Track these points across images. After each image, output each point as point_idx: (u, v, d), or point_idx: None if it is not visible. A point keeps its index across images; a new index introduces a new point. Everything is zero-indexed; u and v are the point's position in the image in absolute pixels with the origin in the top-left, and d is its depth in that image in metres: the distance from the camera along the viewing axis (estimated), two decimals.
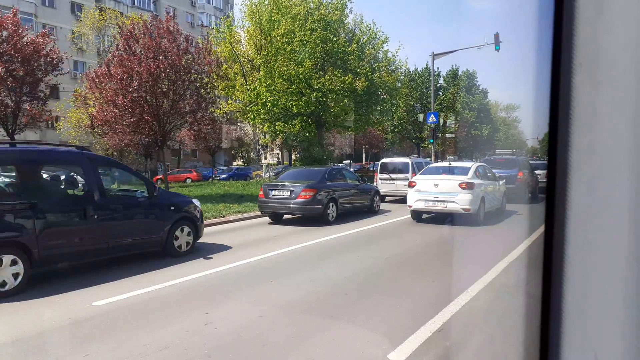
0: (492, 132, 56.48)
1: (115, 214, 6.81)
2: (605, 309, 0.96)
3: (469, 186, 10.58)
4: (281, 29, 23.05)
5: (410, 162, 16.28)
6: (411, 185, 11.63)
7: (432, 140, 28.62)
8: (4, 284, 5.49)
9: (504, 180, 13.32)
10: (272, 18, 24.11)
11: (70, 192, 7.06)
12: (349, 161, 52.32)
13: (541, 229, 1.07)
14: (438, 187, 10.90)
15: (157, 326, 4.50)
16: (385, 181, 16.48)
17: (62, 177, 7.36)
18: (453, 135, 45.92)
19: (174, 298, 5.50)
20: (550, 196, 1.02)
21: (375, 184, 16.48)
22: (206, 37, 23.47)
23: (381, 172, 16.75)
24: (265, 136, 27.62)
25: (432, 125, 27.75)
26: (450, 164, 12.63)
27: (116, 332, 4.36)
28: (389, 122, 42.36)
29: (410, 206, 11.36)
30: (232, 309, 5.03)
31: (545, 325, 1.04)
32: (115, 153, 37.68)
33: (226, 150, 48.82)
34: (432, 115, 26.75)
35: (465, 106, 50.48)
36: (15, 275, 5.58)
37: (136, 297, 5.47)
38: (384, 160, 17.84)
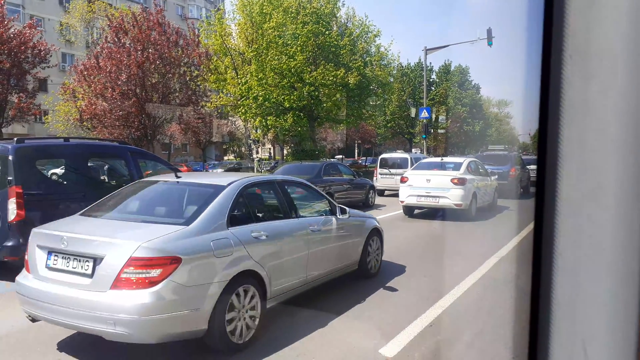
0: (484, 128, 56.77)
1: None
2: (594, 301, 0.96)
3: (460, 181, 10.59)
4: (273, 22, 22.89)
5: (409, 158, 16.55)
6: (403, 180, 11.52)
7: (424, 136, 28.71)
8: None
9: (496, 176, 13.47)
10: (264, 11, 23.93)
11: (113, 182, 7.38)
12: (341, 156, 52.35)
13: (532, 224, 1.08)
14: (430, 182, 10.90)
15: None
16: (385, 176, 16.80)
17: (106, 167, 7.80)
18: (445, 131, 46.12)
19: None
20: (540, 189, 1.02)
21: (375, 178, 16.78)
22: (196, 30, 23.20)
23: (381, 167, 17.13)
24: (256, 131, 27.52)
25: (425, 121, 27.83)
26: (442, 159, 12.69)
27: None
28: (381, 117, 42.43)
29: (402, 201, 11.31)
30: None
31: (535, 317, 1.05)
32: None
33: (217, 144, 48.57)
34: (425, 110, 26.81)
35: (458, 101, 50.67)
36: None
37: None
38: (384, 155, 18.19)
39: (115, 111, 15.54)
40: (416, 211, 11.84)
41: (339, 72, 22.96)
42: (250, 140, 29.34)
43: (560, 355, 1.01)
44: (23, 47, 15.44)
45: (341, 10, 26.84)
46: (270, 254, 4.16)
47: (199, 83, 17.91)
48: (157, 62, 15.18)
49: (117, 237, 3.56)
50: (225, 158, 54.41)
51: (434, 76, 48.13)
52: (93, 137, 28.75)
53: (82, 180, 6.81)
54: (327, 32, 23.63)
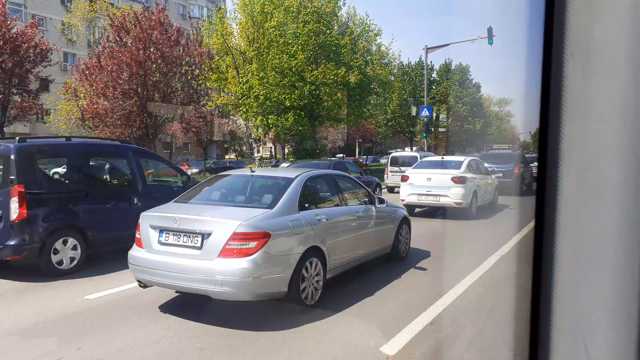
0: (484, 126, 56.68)
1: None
2: (595, 300, 0.96)
3: (461, 180, 10.60)
4: (274, 21, 22.88)
5: (418, 156, 16.78)
6: (404, 179, 11.58)
7: (425, 135, 28.68)
8: None
9: (500, 174, 13.67)
10: (265, 10, 23.91)
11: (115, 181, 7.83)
12: (342, 155, 52.33)
13: (533, 223, 1.08)
14: (431, 180, 10.93)
15: (150, 320, 4.48)
16: (395, 173, 17.19)
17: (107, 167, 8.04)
18: (446, 130, 46.06)
19: (167, 291, 5.47)
20: (541, 187, 1.02)
21: (385, 176, 17.71)
22: (198, 29, 23.21)
23: (391, 165, 17.75)
24: (258, 129, 27.51)
25: (425, 119, 27.80)
26: (442, 157, 12.79)
27: (108, 325, 4.34)
28: (382, 116, 42.39)
29: (402, 200, 11.30)
30: (226, 301, 5.02)
31: (535, 316, 1.05)
32: None
33: (218, 143, 48.56)
34: (425, 109, 26.77)
35: (458, 100, 50.57)
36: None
37: (128, 290, 5.44)
38: (394, 154, 19.58)
39: (117, 110, 15.55)
40: (417, 210, 11.79)
41: (339, 71, 22.94)
42: (252, 139, 29.34)
43: (561, 354, 1.01)
44: (25, 46, 15.43)
45: (342, 9, 26.84)
46: (329, 234, 5.07)
47: (200, 82, 17.90)
48: (159, 60, 15.16)
49: (221, 218, 4.49)
50: (227, 157, 54.39)
51: (434, 75, 48.03)
52: (94, 136, 28.81)
53: (83, 179, 6.99)
54: (328, 31, 23.61)
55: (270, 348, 3.81)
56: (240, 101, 24.96)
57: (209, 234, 4.26)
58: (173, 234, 4.48)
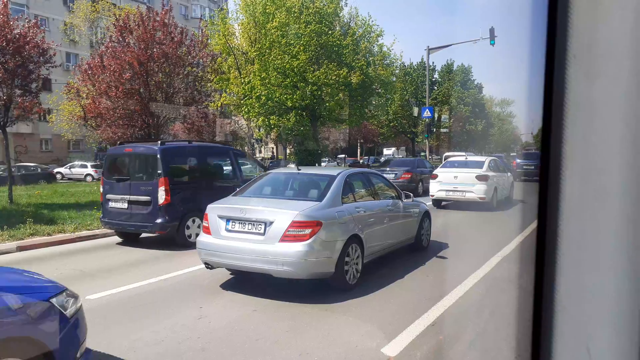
0: (486, 127, 56.58)
1: None
2: (598, 301, 0.96)
3: (484, 178, 12.20)
4: (276, 21, 22.88)
5: (443, 156, 20.04)
6: (433, 177, 13.23)
7: (426, 135, 28.64)
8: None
9: (511, 173, 15.03)
10: (267, 11, 23.91)
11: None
12: (343, 156, 52.27)
13: (535, 223, 1.07)
14: (457, 178, 12.55)
15: (152, 320, 4.49)
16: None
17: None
18: (447, 130, 45.96)
19: (168, 292, 5.50)
20: (543, 189, 1.02)
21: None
22: (202, 30, 23.24)
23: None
24: (259, 130, 27.52)
25: (427, 120, 27.75)
26: (466, 158, 14.70)
27: (110, 326, 4.35)
28: (384, 117, 42.33)
29: (432, 195, 12.97)
30: (227, 303, 5.03)
31: (538, 317, 1.05)
32: (109, 146, 37.39)
33: (220, 144, 48.54)
34: (427, 109, 26.73)
35: (460, 101, 50.48)
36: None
37: (129, 290, 5.45)
38: (448, 153, 23.93)
39: (119, 110, 15.55)
40: (443, 203, 13.41)
41: (341, 72, 22.91)
42: (253, 139, 29.35)
43: (563, 355, 1.01)
44: (27, 47, 15.44)
45: (344, 9, 26.79)
46: (366, 224, 5.75)
47: (203, 84, 17.90)
48: (162, 60, 15.16)
49: (281, 209, 5.23)
50: None
51: (436, 75, 47.94)
52: (96, 135, 28.83)
53: (202, 172, 8.94)
54: (330, 32, 23.59)
55: (270, 348, 3.81)
56: (242, 101, 24.97)
57: (271, 222, 5.02)
58: (239, 223, 5.25)
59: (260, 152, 59.06)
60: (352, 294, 5.22)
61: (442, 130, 44.70)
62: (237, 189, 6.55)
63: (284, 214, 5.06)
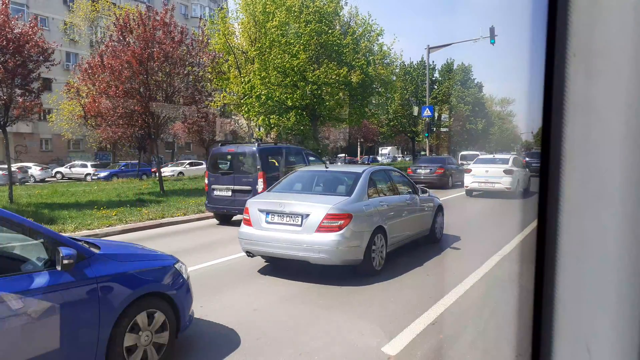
0: (486, 126, 56.56)
1: None
2: (598, 300, 0.96)
3: (509, 172, 15.19)
4: (276, 21, 22.87)
5: (479, 154, 23.44)
6: (467, 171, 16.27)
7: (426, 134, 28.64)
8: None
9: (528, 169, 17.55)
10: (267, 10, 23.90)
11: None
12: (343, 155, 52.27)
13: (535, 222, 1.07)
14: (488, 172, 15.45)
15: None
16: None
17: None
18: (448, 129, 45.94)
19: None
20: (543, 188, 1.01)
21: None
22: (202, 30, 23.23)
23: (461, 160, 24.80)
24: (259, 129, 27.51)
25: (427, 119, 27.75)
26: (494, 156, 18.53)
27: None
28: (384, 116, 42.31)
29: (466, 186, 15.97)
30: (228, 302, 5.04)
31: (538, 316, 1.05)
32: (108, 145, 37.34)
33: (221, 143, 48.53)
34: (427, 109, 26.72)
35: (460, 100, 50.46)
36: None
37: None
38: (463, 152, 28.21)
39: (119, 109, 15.54)
40: (474, 193, 16.22)
41: (341, 71, 22.91)
42: (253, 139, 29.34)
43: (563, 354, 1.01)
44: (27, 46, 15.42)
45: (344, 9, 26.78)
46: (388, 217, 6.34)
47: (203, 84, 17.89)
48: (162, 59, 15.14)
49: (316, 203, 5.80)
50: None
51: (436, 75, 47.90)
52: (96, 134, 28.82)
53: (285, 167, 10.59)
54: (330, 31, 23.57)
55: (271, 348, 3.81)
56: (242, 101, 24.97)
57: (307, 215, 5.60)
58: (278, 215, 5.84)
59: None
60: (352, 293, 5.23)
61: (442, 129, 44.70)
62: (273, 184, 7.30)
63: (318, 207, 5.62)
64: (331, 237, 5.40)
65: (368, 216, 5.87)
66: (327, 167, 7.29)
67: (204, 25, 27.34)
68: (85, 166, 31.92)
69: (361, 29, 26.53)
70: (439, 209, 8.13)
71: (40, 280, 2.70)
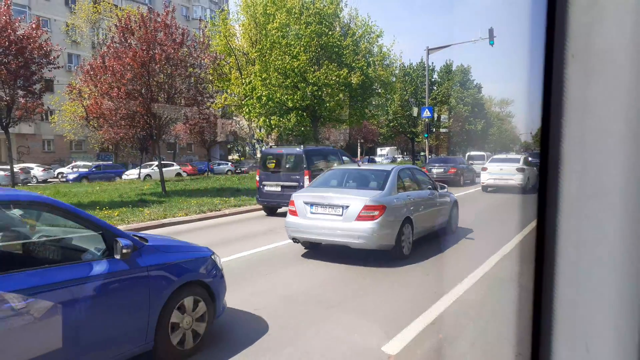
0: (485, 127, 56.51)
1: None
2: (597, 300, 0.96)
3: (521, 170, 16.99)
4: (276, 22, 22.88)
5: (485, 155, 27.70)
6: (484, 169, 18.13)
7: (426, 135, 28.62)
8: None
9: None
10: (267, 11, 23.92)
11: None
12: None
13: (535, 222, 1.08)
14: (502, 170, 17.31)
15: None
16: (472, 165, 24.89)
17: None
18: (447, 130, 45.91)
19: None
20: (542, 188, 1.02)
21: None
22: (202, 31, 23.26)
23: (469, 159, 26.25)
24: (260, 130, 27.52)
25: (427, 120, 27.74)
26: (507, 156, 21.18)
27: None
28: (383, 117, 42.27)
29: (483, 182, 17.76)
30: (228, 301, 5.04)
31: (538, 316, 1.05)
32: (111, 146, 37.36)
33: (222, 144, 48.57)
34: (427, 109, 26.71)
35: (459, 101, 50.42)
36: None
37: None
38: (470, 153, 30.27)
39: (121, 110, 15.55)
40: (489, 189, 17.91)
41: (341, 72, 22.91)
42: (254, 139, 29.33)
43: (563, 353, 1.01)
44: (30, 47, 15.46)
45: (344, 10, 26.79)
46: (414, 209, 7.15)
47: (204, 85, 17.92)
48: (163, 61, 15.15)
49: (355, 196, 6.63)
50: (230, 157, 54.37)
51: (435, 76, 47.86)
52: (99, 135, 28.83)
53: (326, 165, 12.02)
54: (330, 33, 23.58)
55: (271, 348, 3.81)
56: (243, 102, 24.98)
57: (348, 206, 6.45)
58: (321, 207, 6.71)
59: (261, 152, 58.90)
60: (353, 292, 5.23)
61: (441, 130, 44.67)
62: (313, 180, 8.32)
63: (357, 199, 6.45)
64: (368, 225, 6.25)
65: (398, 208, 6.70)
66: (359, 165, 8.36)
67: (205, 27, 27.36)
68: (87, 167, 31.88)
69: (361, 30, 26.54)
70: (454, 204, 8.96)
71: (102, 267, 3.12)
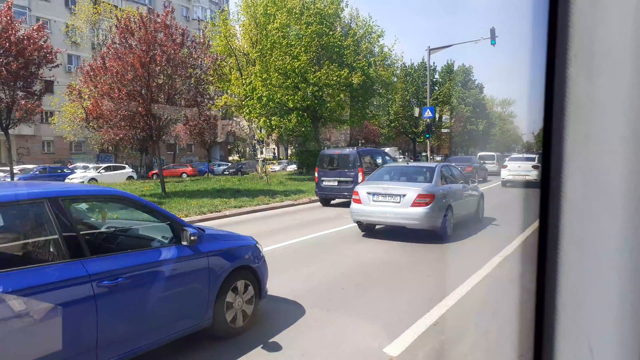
0: (487, 127, 56.57)
1: None
2: (600, 301, 0.96)
3: (537, 167, 18.46)
4: (277, 22, 22.91)
5: (495, 155, 30.36)
6: (504, 167, 20.71)
7: (427, 135, 28.62)
8: None
9: None
10: (268, 12, 23.95)
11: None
12: None
13: (537, 223, 1.07)
14: (520, 167, 19.75)
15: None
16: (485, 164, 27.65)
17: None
18: (449, 130, 45.91)
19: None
20: (545, 188, 1.02)
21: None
22: (202, 32, 23.28)
23: (480, 159, 28.54)
24: (261, 131, 27.53)
25: (428, 120, 27.74)
26: (524, 155, 23.81)
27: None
28: (384, 117, 42.29)
29: (503, 178, 20.37)
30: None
31: (540, 317, 1.05)
32: (110, 147, 37.37)
33: (222, 145, 48.58)
34: (428, 110, 26.71)
35: (461, 101, 50.48)
36: None
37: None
38: (481, 153, 32.08)
39: (121, 111, 15.55)
40: (507, 184, 20.35)
41: (342, 73, 22.93)
42: (255, 140, 29.36)
43: (565, 354, 1.01)
44: (30, 49, 15.49)
45: (345, 10, 26.82)
46: (453, 199, 8.60)
47: (205, 86, 17.93)
48: (164, 63, 15.15)
49: (410, 187, 8.16)
50: (230, 158, 54.40)
51: (437, 76, 47.90)
52: (98, 136, 28.84)
53: (374, 163, 14.18)
54: (330, 33, 23.61)
55: (272, 348, 3.81)
56: (243, 102, 25.00)
57: (404, 195, 7.98)
58: (381, 196, 8.25)
59: (261, 152, 58.98)
60: (355, 292, 5.23)
61: (443, 130, 44.66)
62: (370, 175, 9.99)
63: (412, 190, 7.97)
64: (422, 210, 7.76)
65: (443, 197, 8.14)
66: (408, 163, 10.78)
67: (205, 27, 27.37)
68: (87, 168, 31.77)
69: (362, 30, 26.56)
70: (481, 196, 10.49)
71: (172, 252, 3.62)
